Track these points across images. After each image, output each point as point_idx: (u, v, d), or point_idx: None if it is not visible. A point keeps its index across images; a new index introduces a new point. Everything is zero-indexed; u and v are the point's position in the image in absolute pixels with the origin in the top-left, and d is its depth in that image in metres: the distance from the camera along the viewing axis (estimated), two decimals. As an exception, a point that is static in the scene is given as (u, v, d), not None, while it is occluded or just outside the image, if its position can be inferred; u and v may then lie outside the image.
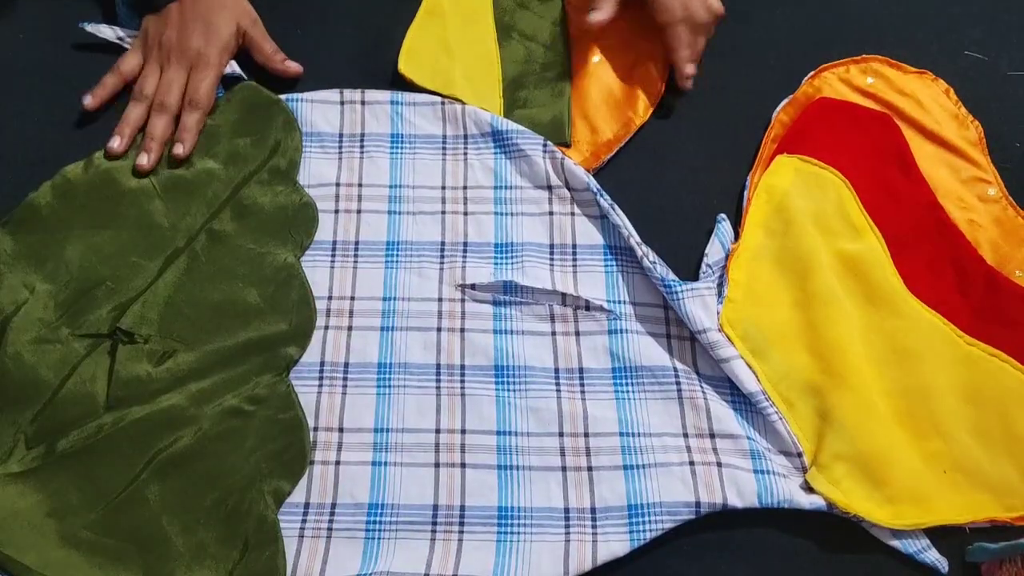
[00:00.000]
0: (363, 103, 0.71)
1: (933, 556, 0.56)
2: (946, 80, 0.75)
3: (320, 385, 0.59)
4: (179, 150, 0.66)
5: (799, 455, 0.58)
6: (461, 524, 0.55)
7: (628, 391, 0.60)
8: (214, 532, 0.54)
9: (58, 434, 0.56)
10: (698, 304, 0.61)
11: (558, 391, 0.59)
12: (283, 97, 0.70)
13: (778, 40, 0.78)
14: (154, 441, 0.56)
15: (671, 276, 0.63)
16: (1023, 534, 0.55)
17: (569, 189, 0.67)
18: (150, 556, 0.53)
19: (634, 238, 0.64)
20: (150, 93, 0.67)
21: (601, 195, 0.66)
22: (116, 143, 0.66)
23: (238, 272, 0.62)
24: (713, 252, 0.65)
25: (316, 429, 0.58)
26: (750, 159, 0.70)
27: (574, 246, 0.65)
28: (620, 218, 0.65)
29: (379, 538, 0.54)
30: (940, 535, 0.57)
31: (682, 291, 0.61)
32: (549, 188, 0.67)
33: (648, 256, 0.63)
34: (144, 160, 0.65)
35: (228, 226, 0.64)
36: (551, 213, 0.66)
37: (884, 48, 0.77)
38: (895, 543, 0.56)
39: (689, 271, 0.66)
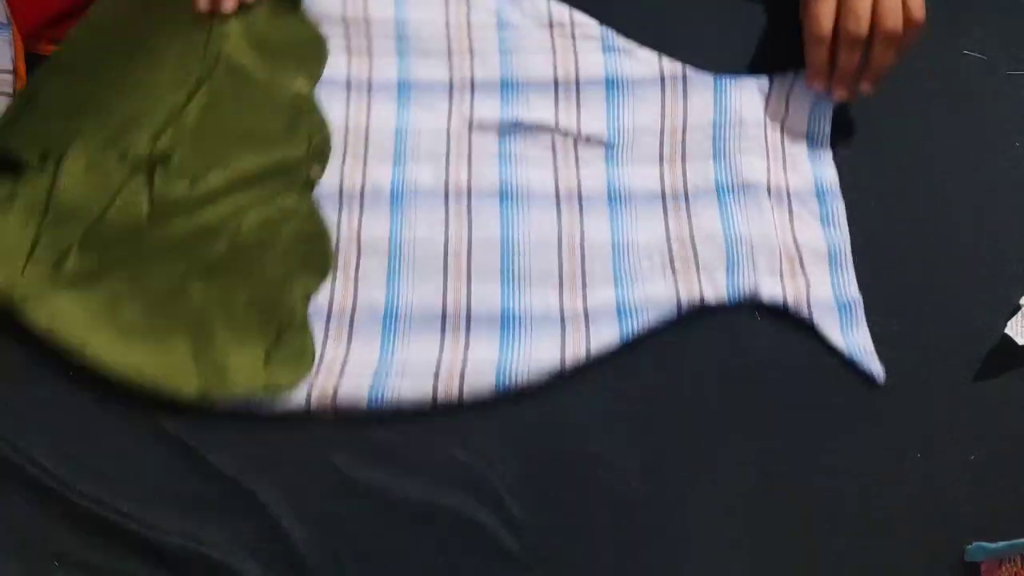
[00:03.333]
0: None
1: (874, 366, 0.62)
2: (944, 79, 0.75)
3: (340, 208, 0.66)
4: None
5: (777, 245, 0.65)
6: (468, 324, 0.62)
7: (620, 212, 0.66)
8: (251, 321, 0.61)
9: (108, 244, 0.63)
10: (746, 96, 0.70)
11: (558, 211, 0.66)
12: None
13: (773, 38, 0.78)
14: (194, 249, 0.63)
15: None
16: (1022, 534, 0.56)
17: (573, 26, 0.72)
18: (196, 340, 0.60)
19: (664, 61, 0.71)
20: None
21: (607, 33, 0.72)
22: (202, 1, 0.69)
23: (256, 102, 0.69)
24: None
25: (338, 242, 0.65)
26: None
27: (577, 81, 0.71)
28: (642, 48, 0.71)
29: (394, 338, 0.61)
30: (937, 534, 0.57)
31: (729, 83, 0.70)
32: (551, 26, 0.72)
33: (680, 69, 0.70)
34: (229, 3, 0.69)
35: (244, 59, 0.70)
36: (554, 50, 0.72)
37: (883, 48, 0.77)
38: (840, 343, 0.62)
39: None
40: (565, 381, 0.62)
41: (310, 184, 0.67)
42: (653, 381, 0.63)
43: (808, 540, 0.57)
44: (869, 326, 0.64)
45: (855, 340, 0.63)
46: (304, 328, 0.62)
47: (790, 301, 0.64)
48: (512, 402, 0.61)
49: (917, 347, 0.64)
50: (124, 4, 0.72)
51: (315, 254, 0.65)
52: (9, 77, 0.72)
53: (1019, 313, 0.64)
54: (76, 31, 0.71)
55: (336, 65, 0.72)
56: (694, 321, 0.64)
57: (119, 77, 0.70)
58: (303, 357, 0.61)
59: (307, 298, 0.63)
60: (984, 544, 0.56)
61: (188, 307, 0.62)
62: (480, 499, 0.58)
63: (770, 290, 0.64)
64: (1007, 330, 0.63)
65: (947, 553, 0.57)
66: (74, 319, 0.61)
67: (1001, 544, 0.55)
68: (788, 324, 0.65)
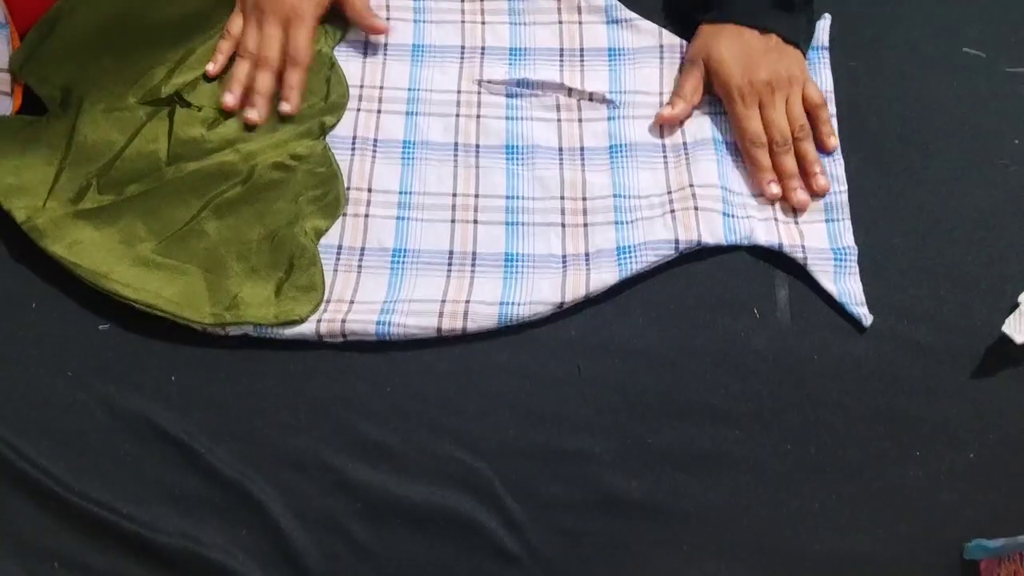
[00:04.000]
0: None
1: (862, 311, 0.64)
2: (943, 77, 0.75)
3: (352, 153, 0.69)
4: (285, 108, 0.70)
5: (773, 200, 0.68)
6: (473, 265, 0.65)
7: (622, 163, 0.70)
8: (264, 258, 0.64)
9: (125, 183, 0.66)
10: None
11: (561, 164, 0.69)
12: None
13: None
14: (209, 188, 0.66)
15: None
16: (1022, 532, 0.56)
17: None
18: (210, 274, 0.63)
19: (664, 34, 0.74)
20: (253, 49, 0.71)
21: (613, 3, 0.76)
22: (230, 99, 0.70)
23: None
24: None
25: (349, 188, 0.67)
26: None
27: (581, 50, 0.75)
28: (644, 21, 0.75)
29: (402, 274, 0.65)
30: (937, 533, 0.57)
31: None
32: None
33: (678, 43, 0.74)
34: (254, 115, 0.69)
35: None
36: (560, 22, 0.76)
37: (881, 45, 0.77)
38: (832, 288, 0.65)
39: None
40: (565, 382, 0.62)
41: (324, 131, 0.70)
42: (653, 382, 0.63)
43: (808, 540, 0.57)
44: (870, 324, 0.64)
45: (846, 287, 0.65)
46: (315, 263, 0.64)
47: (785, 244, 0.66)
48: (512, 402, 0.61)
49: (917, 347, 0.64)
50: None
51: (327, 195, 0.67)
52: (8, 76, 0.72)
53: (1016, 311, 0.64)
54: None
55: (355, 29, 0.75)
56: (693, 320, 0.65)
57: (143, 17, 0.72)
58: (313, 290, 0.63)
59: (318, 236, 0.66)
60: (983, 542, 0.56)
61: (202, 243, 0.65)
62: (480, 499, 0.58)
63: (765, 234, 0.66)
64: (1004, 328, 0.63)
65: (947, 552, 0.57)
66: (92, 251, 0.64)
67: (1000, 542, 0.55)
68: (787, 322, 0.65)
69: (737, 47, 0.70)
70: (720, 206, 0.66)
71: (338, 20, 0.75)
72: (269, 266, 0.64)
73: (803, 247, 0.66)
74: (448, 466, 0.59)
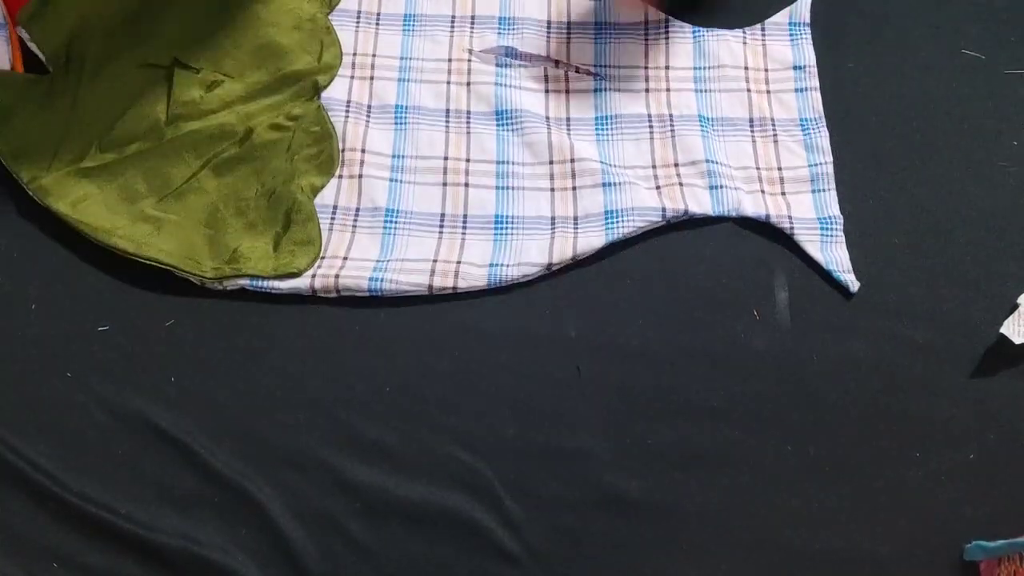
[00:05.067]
0: None
1: (849, 278, 0.66)
2: (943, 78, 0.75)
3: (347, 115, 0.71)
4: None
5: (759, 169, 0.70)
6: (464, 227, 0.67)
7: (607, 134, 0.72)
8: (261, 214, 0.66)
9: (126, 142, 0.68)
10: (723, 46, 0.75)
11: (549, 130, 0.71)
12: None
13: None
14: (208, 148, 0.68)
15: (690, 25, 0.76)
16: (1021, 533, 0.56)
17: None
18: (210, 229, 0.66)
19: (649, 10, 0.76)
20: None
21: None
22: None
23: (274, 21, 0.74)
24: (779, 16, 0.76)
25: (343, 149, 0.70)
26: None
27: (569, 24, 0.77)
28: None
29: (395, 234, 0.67)
30: (937, 533, 0.57)
31: (707, 34, 0.75)
32: None
33: (663, 18, 0.76)
34: None
35: None
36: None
37: (880, 46, 0.77)
38: (819, 257, 0.66)
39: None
40: (565, 382, 0.62)
41: (318, 91, 0.71)
42: (652, 382, 0.63)
43: (808, 539, 0.57)
44: (870, 324, 0.64)
45: (833, 255, 0.67)
46: (312, 218, 0.66)
47: (772, 215, 0.68)
48: (511, 402, 0.61)
49: (917, 347, 0.64)
50: None
51: (322, 154, 0.69)
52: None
53: (1015, 313, 0.64)
54: None
55: (347, 0, 0.77)
56: (693, 321, 0.65)
57: None
58: (310, 244, 0.65)
59: (314, 192, 0.68)
60: (983, 543, 0.56)
61: (202, 199, 0.67)
62: (480, 499, 0.58)
63: (753, 206, 0.68)
64: (1003, 329, 0.63)
65: (947, 552, 0.57)
66: (95, 208, 0.66)
67: (1000, 543, 0.55)
68: (787, 323, 0.65)
69: None
70: (706, 180, 0.68)
71: None
72: (267, 222, 0.66)
73: (790, 217, 0.68)
74: (448, 466, 0.59)
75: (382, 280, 0.63)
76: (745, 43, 0.75)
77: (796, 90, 0.73)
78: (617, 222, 0.66)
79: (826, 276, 0.65)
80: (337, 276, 0.63)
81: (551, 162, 0.69)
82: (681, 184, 0.68)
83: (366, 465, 0.59)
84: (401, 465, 0.59)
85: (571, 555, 0.56)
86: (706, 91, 0.73)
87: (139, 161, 0.67)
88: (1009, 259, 0.68)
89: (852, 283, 0.65)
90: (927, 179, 0.71)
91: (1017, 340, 0.62)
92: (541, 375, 0.62)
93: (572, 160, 0.69)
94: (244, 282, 0.63)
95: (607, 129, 0.71)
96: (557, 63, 0.74)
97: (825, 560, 0.57)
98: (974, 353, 0.64)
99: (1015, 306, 0.65)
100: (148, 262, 0.63)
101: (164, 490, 0.58)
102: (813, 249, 0.67)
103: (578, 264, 0.66)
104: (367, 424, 0.60)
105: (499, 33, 0.75)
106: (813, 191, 0.69)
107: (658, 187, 0.68)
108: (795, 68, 0.74)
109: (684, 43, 0.75)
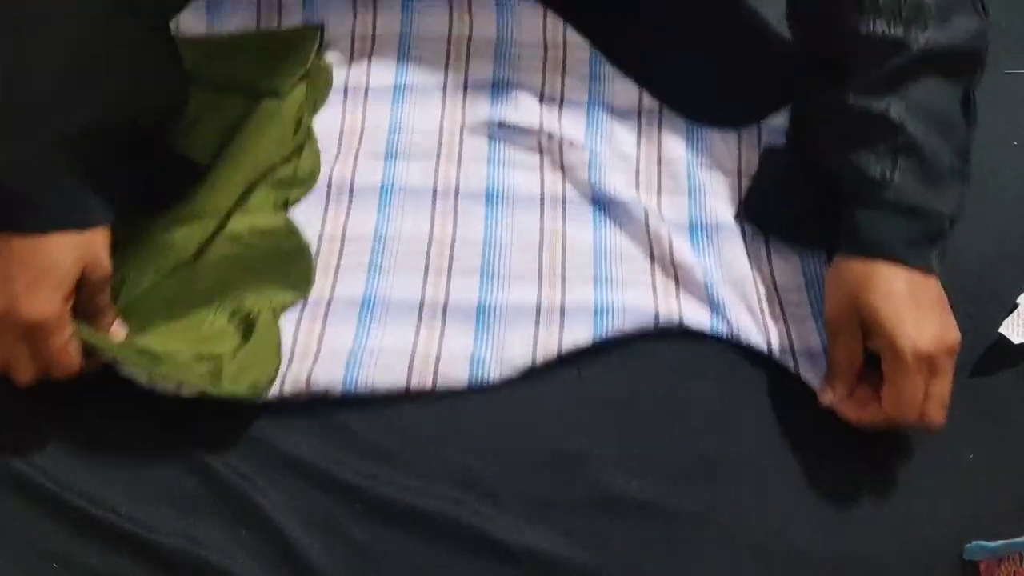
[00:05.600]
0: None
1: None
2: (944, 78, 0.75)
3: (327, 202, 0.67)
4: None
5: (756, 283, 0.65)
6: (444, 316, 0.62)
7: (603, 219, 0.67)
8: (218, 331, 0.61)
9: None
10: (719, 144, 0.71)
11: (541, 214, 0.67)
12: None
13: (773, 37, 0.78)
14: (163, 260, 0.63)
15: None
16: (1021, 533, 0.56)
17: (565, 48, 0.74)
18: (161, 347, 0.59)
19: (644, 96, 0.72)
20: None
21: (597, 58, 0.74)
22: None
23: (256, 126, 0.69)
24: (778, 117, 0.71)
25: (320, 239, 0.65)
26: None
27: (562, 100, 0.73)
28: (625, 80, 0.73)
29: (370, 325, 0.62)
30: (937, 533, 0.57)
31: (702, 131, 0.71)
32: (544, 46, 0.75)
33: (657, 107, 0.72)
34: None
35: (253, 77, 0.72)
36: (544, 69, 0.74)
37: (882, 46, 0.77)
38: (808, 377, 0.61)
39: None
40: (565, 382, 0.62)
41: (287, 206, 0.66)
42: (650, 382, 0.62)
43: (808, 540, 0.57)
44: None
45: None
46: (272, 334, 0.60)
47: (774, 349, 0.62)
48: (509, 402, 0.61)
49: (916, 346, 0.64)
50: None
51: (294, 274, 0.64)
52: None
53: (1015, 313, 0.64)
54: None
55: (337, 75, 0.73)
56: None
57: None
58: (269, 361, 0.59)
59: (277, 314, 0.62)
60: (983, 543, 0.56)
61: (153, 315, 0.61)
62: (477, 499, 0.58)
63: (753, 336, 0.63)
64: (1002, 330, 0.63)
65: (947, 552, 0.57)
66: None
67: (1000, 543, 0.55)
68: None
69: (904, 296, 0.56)
70: (703, 293, 0.63)
71: (320, 88, 0.72)
72: (224, 336, 0.61)
73: (793, 352, 0.62)
74: (445, 466, 0.59)
75: (355, 381, 0.58)
76: (741, 141, 0.70)
77: None
78: (606, 318, 0.61)
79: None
80: (308, 379, 0.58)
81: (540, 249, 0.65)
82: (678, 291, 0.63)
83: (366, 465, 0.59)
84: (401, 465, 0.59)
85: (572, 555, 0.56)
86: (699, 192, 0.68)
87: None
88: (1009, 259, 0.68)
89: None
90: (927, 179, 0.71)
91: (1017, 340, 0.62)
92: (541, 375, 0.62)
93: (563, 248, 0.65)
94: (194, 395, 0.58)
95: (603, 213, 0.67)
96: (551, 136, 0.69)
97: (825, 560, 0.57)
98: (974, 353, 0.64)
99: (1014, 306, 0.65)
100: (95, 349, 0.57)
101: (165, 490, 0.58)
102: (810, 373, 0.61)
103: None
104: (367, 424, 0.60)
105: (492, 105, 0.71)
106: (814, 312, 0.63)
107: (654, 287, 0.63)
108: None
109: (678, 136, 0.71)
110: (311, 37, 0.74)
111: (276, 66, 0.72)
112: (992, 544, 0.55)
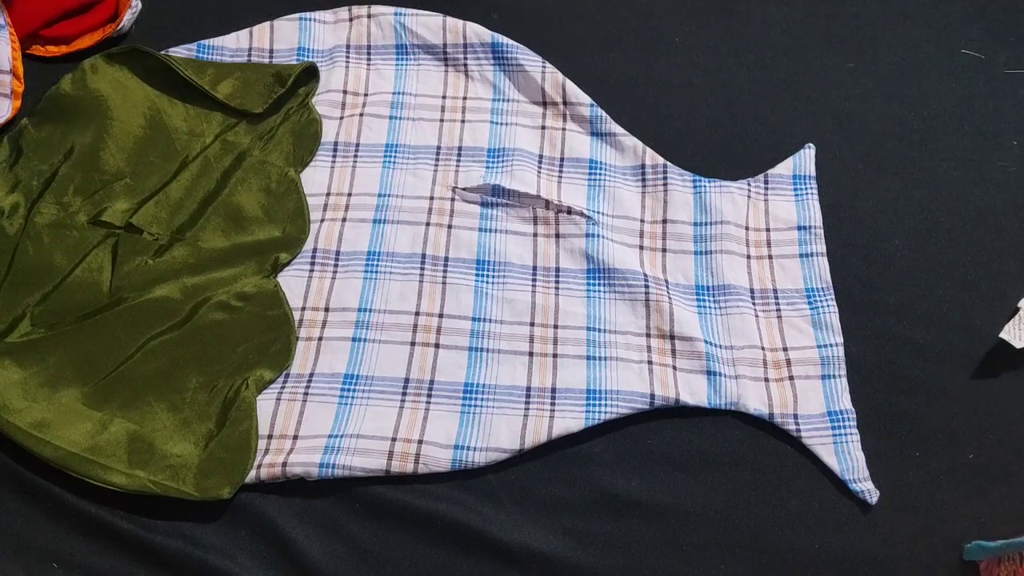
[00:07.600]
0: (369, 16, 0.75)
1: (867, 487, 0.59)
2: (942, 78, 0.75)
3: (312, 269, 0.64)
4: None
5: (764, 350, 0.63)
6: (429, 396, 0.60)
7: (599, 290, 0.64)
8: (196, 410, 0.58)
9: (60, 316, 0.61)
10: (726, 200, 0.68)
11: (533, 286, 0.64)
12: (296, 17, 0.75)
13: (772, 38, 0.78)
14: (146, 327, 0.60)
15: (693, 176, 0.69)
16: (1021, 533, 0.56)
17: (565, 106, 0.72)
18: (136, 426, 0.57)
19: (648, 153, 0.70)
20: None
21: (599, 115, 0.71)
22: None
23: (243, 180, 0.67)
24: (782, 167, 0.70)
25: (304, 309, 0.63)
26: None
27: (562, 159, 0.70)
28: (629, 137, 0.71)
29: (351, 404, 0.59)
30: (937, 533, 0.57)
31: (708, 185, 0.68)
32: (544, 104, 0.73)
33: (661, 164, 0.69)
34: None
35: (241, 138, 0.69)
36: (544, 127, 0.72)
37: (880, 46, 0.77)
38: (832, 463, 0.59)
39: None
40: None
41: (276, 269, 0.64)
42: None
43: (808, 539, 0.57)
44: (869, 324, 0.64)
45: (848, 460, 0.60)
46: (249, 418, 0.58)
47: (776, 414, 0.61)
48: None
49: (917, 347, 0.64)
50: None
51: (276, 343, 0.61)
52: (7, 78, 0.72)
53: (1016, 317, 0.64)
54: (69, 77, 0.70)
55: (327, 133, 0.71)
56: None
57: (114, 130, 0.68)
58: (243, 451, 0.57)
59: (260, 388, 0.60)
60: (983, 543, 0.56)
61: (132, 392, 0.58)
62: (480, 499, 0.58)
63: (755, 400, 0.61)
64: (1003, 334, 0.63)
65: (947, 552, 0.57)
66: (13, 390, 0.58)
67: (1000, 543, 0.55)
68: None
69: None
70: (703, 364, 0.61)
71: (308, 143, 0.69)
72: (201, 419, 0.58)
73: (795, 417, 0.60)
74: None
75: (334, 466, 0.56)
76: (749, 196, 0.68)
77: (800, 255, 0.66)
78: (598, 404, 0.59)
79: (840, 484, 0.59)
80: (285, 463, 0.56)
81: (532, 324, 0.62)
82: (675, 367, 0.60)
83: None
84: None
85: (571, 555, 0.56)
86: (706, 253, 0.65)
87: (69, 340, 0.59)
88: (1009, 259, 0.68)
89: (871, 493, 0.58)
90: (927, 179, 0.71)
91: (1018, 344, 0.62)
92: (541, 375, 0.62)
93: (556, 326, 0.62)
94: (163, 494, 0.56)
95: (598, 284, 0.64)
96: (547, 203, 0.66)
97: (825, 560, 0.57)
98: (974, 354, 0.64)
99: (1016, 310, 0.65)
100: (49, 462, 0.56)
101: (164, 490, 0.58)
102: (825, 453, 0.59)
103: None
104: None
105: (487, 167, 0.68)
106: (824, 377, 0.62)
107: (650, 362, 0.60)
108: (799, 228, 0.67)
109: (684, 193, 0.68)
110: (299, 66, 0.72)
111: (255, 83, 0.70)
112: (992, 544, 0.55)
